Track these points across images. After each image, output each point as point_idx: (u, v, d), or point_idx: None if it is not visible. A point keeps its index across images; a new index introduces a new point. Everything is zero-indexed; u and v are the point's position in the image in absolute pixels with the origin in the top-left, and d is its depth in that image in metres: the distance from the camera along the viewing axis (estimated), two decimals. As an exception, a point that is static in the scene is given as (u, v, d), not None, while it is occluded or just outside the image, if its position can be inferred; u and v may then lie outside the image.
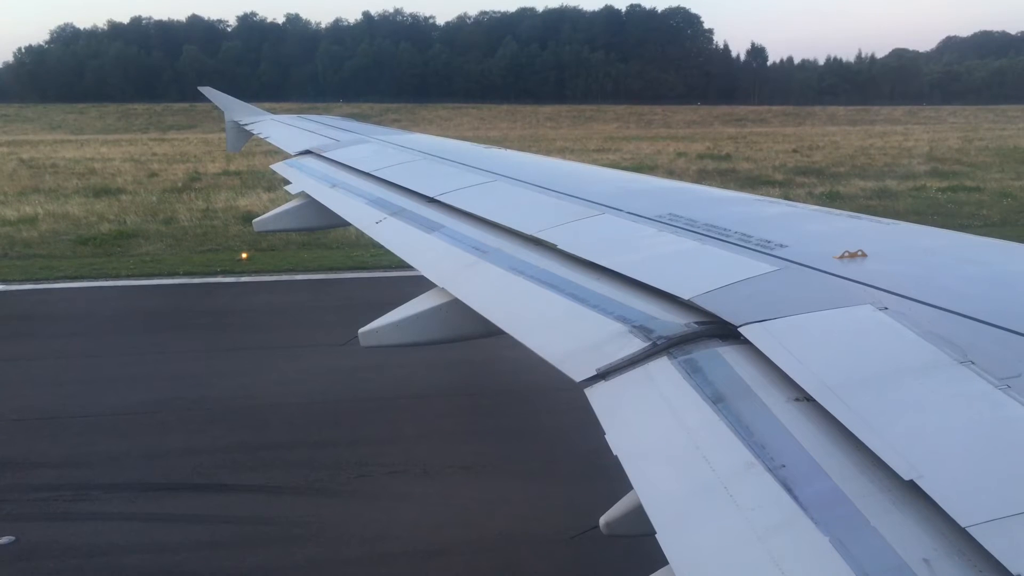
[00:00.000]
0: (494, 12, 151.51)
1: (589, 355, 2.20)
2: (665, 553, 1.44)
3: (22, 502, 6.48)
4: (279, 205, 6.63)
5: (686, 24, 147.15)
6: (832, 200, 22.35)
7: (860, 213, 3.42)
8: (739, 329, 2.05)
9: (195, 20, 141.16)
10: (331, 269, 14.51)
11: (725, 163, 32.25)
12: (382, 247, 4.13)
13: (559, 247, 3.14)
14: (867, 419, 1.56)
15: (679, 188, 4.40)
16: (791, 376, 1.79)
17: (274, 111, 13.15)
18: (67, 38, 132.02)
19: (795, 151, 37.81)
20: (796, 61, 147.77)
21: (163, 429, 7.75)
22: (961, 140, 44.54)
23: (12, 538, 5.88)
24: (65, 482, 6.73)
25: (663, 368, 2.03)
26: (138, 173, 28.64)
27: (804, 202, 3.84)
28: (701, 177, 26.63)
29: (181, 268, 14.65)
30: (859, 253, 2.50)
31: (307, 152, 7.46)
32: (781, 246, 2.67)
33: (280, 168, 7.29)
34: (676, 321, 2.24)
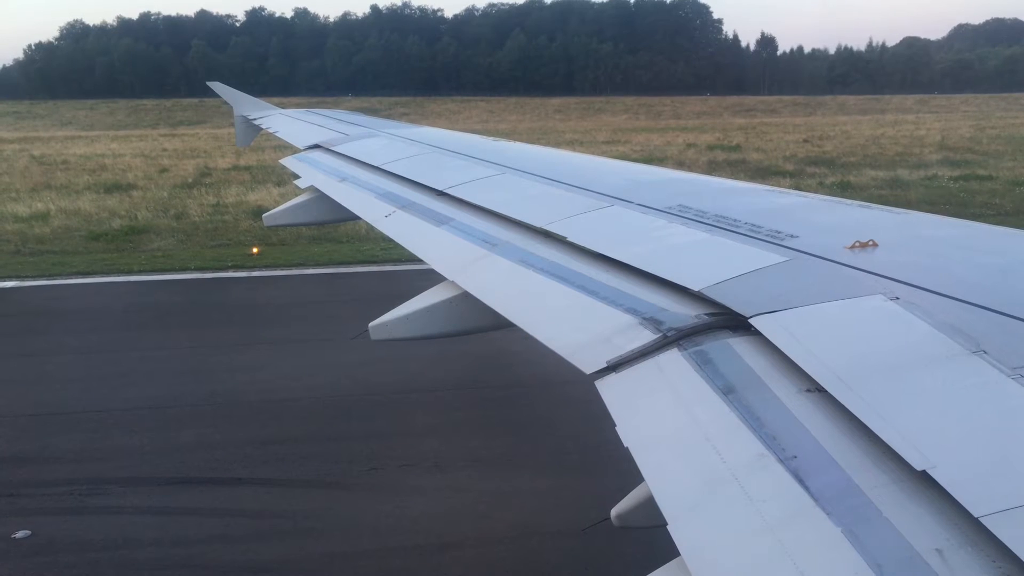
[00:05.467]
0: (502, 4, 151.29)
1: (599, 347, 2.20)
2: (676, 544, 1.44)
3: (38, 496, 6.54)
4: (289, 200, 6.65)
5: (695, 14, 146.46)
6: (843, 190, 22.22)
7: (871, 203, 3.40)
8: (749, 320, 2.04)
9: (203, 15, 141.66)
10: (341, 263, 14.54)
11: (735, 154, 32.08)
12: (392, 241, 4.13)
13: (569, 239, 3.13)
14: (879, 410, 1.55)
15: (688, 179, 4.38)
16: (802, 367, 1.78)
17: (283, 106, 13.19)
18: (77, 35, 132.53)
19: (806, 141, 37.56)
20: (806, 51, 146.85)
21: (176, 423, 7.80)
22: (973, 129, 44.16)
23: (29, 532, 5.94)
24: (80, 476, 6.79)
25: (673, 360, 2.03)
26: (148, 169, 28.71)
27: (815, 192, 3.82)
28: (711, 168, 26.52)
29: (192, 263, 14.71)
30: (870, 243, 2.48)
31: (316, 146, 7.47)
32: (791, 236, 2.66)
33: (289, 163, 7.30)
34: (686, 313, 2.24)
